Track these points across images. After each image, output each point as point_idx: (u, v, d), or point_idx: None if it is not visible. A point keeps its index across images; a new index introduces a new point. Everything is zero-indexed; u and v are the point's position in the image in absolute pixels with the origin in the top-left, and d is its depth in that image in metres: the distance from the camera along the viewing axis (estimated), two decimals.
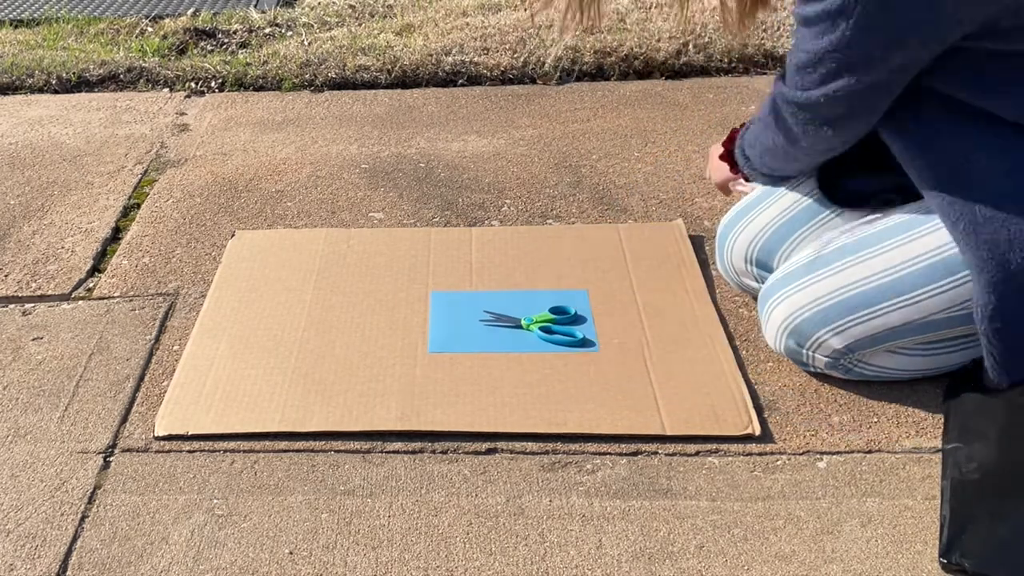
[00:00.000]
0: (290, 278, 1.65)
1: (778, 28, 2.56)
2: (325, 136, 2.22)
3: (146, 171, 2.08)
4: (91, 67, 2.59)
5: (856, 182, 1.39)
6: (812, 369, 1.37)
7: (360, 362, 1.43)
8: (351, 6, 3.03)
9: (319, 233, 1.79)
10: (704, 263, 1.65)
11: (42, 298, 1.65)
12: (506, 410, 1.33)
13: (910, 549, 1.12)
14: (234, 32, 2.87)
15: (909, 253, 1.25)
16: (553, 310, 1.52)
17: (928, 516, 1.16)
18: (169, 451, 1.30)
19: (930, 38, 1.13)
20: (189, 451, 1.29)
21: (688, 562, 1.11)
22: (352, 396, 1.37)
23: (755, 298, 1.47)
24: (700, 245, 1.70)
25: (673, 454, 1.27)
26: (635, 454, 1.27)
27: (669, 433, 1.29)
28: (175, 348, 1.50)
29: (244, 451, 1.29)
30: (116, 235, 1.84)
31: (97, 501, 1.22)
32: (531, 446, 1.28)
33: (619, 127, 2.19)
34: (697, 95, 2.32)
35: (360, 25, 2.87)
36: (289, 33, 2.84)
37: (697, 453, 1.27)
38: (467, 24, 2.74)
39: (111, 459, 1.29)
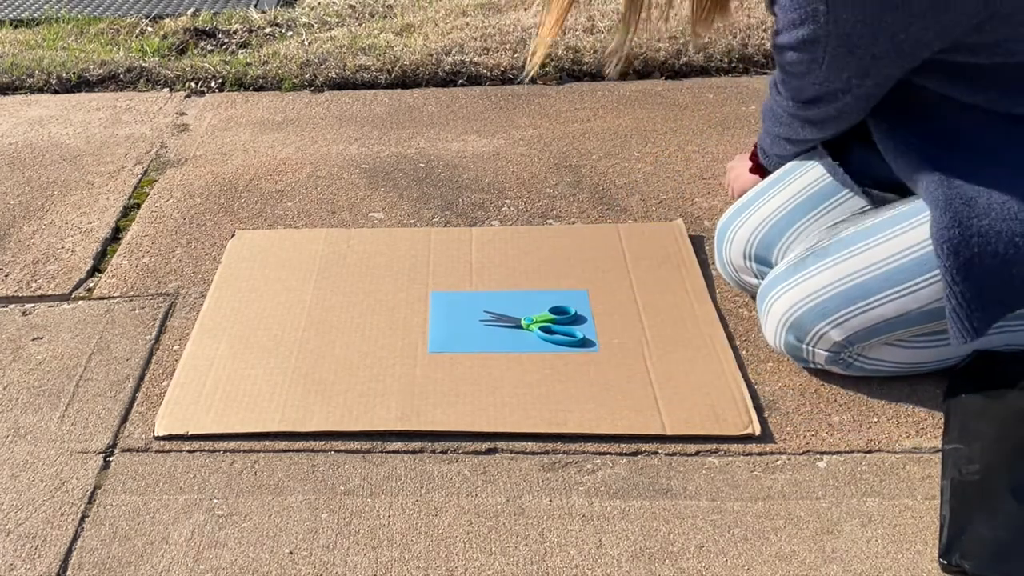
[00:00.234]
0: (290, 278, 1.65)
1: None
2: (325, 136, 2.22)
3: (146, 171, 2.09)
4: (91, 67, 2.59)
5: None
6: (812, 366, 1.37)
7: (360, 362, 1.43)
8: (351, 6, 3.03)
9: (319, 233, 1.79)
10: (704, 263, 1.65)
11: (42, 298, 1.65)
12: (506, 410, 1.33)
13: (910, 549, 1.12)
14: (234, 32, 2.87)
15: (906, 242, 1.26)
16: (553, 310, 1.52)
17: (928, 516, 1.16)
18: (169, 451, 1.30)
19: (897, 63, 1.22)
20: (189, 451, 1.29)
21: (688, 562, 1.11)
22: (352, 396, 1.37)
23: (754, 297, 1.47)
24: (700, 245, 1.70)
25: (673, 454, 1.27)
26: (635, 454, 1.27)
27: (669, 433, 1.29)
28: (175, 348, 1.50)
29: (244, 451, 1.29)
30: (116, 235, 1.84)
31: (97, 501, 1.22)
32: (531, 446, 1.28)
33: (619, 127, 2.19)
34: (697, 95, 2.32)
35: (360, 25, 2.87)
36: (289, 33, 2.84)
37: (697, 453, 1.27)
38: (467, 24, 2.74)
39: (111, 459, 1.29)
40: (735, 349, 1.44)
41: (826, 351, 1.33)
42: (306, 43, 2.71)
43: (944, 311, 1.23)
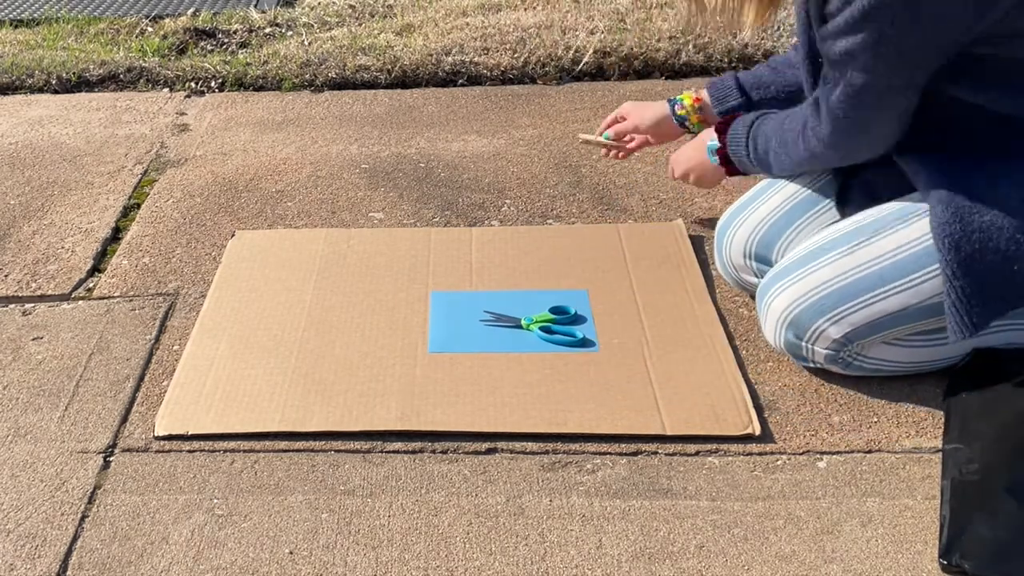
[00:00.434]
0: (290, 278, 1.65)
1: (777, 28, 2.56)
2: (325, 136, 2.22)
3: (146, 171, 2.09)
4: (91, 67, 2.59)
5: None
6: (811, 364, 1.37)
7: (360, 362, 1.43)
8: (351, 6, 3.03)
9: (319, 233, 1.79)
10: (704, 263, 1.65)
11: (42, 298, 1.65)
12: (506, 410, 1.33)
13: (910, 549, 1.12)
14: (234, 32, 2.87)
15: (904, 239, 1.26)
16: (553, 310, 1.52)
17: (928, 516, 1.16)
18: (169, 451, 1.30)
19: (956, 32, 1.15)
20: (189, 451, 1.29)
21: (688, 562, 1.11)
22: (352, 396, 1.37)
23: (754, 296, 1.47)
24: (700, 245, 1.70)
25: (673, 454, 1.27)
26: (635, 454, 1.27)
27: (669, 433, 1.29)
28: (175, 348, 1.50)
29: (244, 451, 1.29)
30: (116, 235, 1.84)
31: (97, 501, 1.22)
32: (531, 446, 1.28)
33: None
34: None
35: (360, 25, 2.87)
36: (289, 33, 2.84)
37: (697, 453, 1.27)
38: (467, 24, 2.74)
39: (111, 459, 1.29)
40: (735, 349, 1.44)
41: (825, 349, 1.33)
42: (306, 43, 2.71)
43: (943, 307, 1.23)
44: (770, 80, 1.57)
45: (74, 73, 2.57)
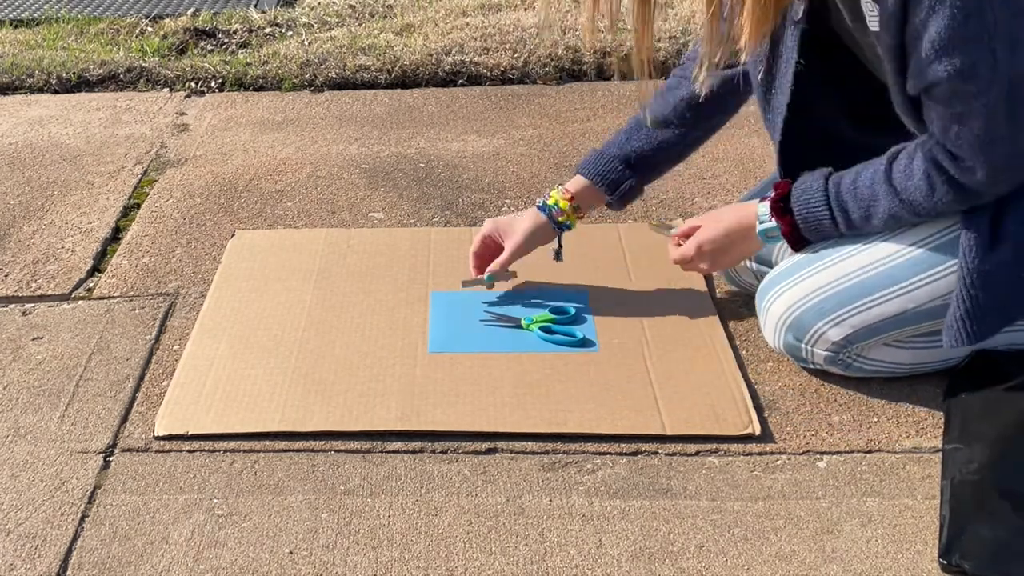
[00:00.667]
0: (290, 278, 1.65)
1: None
2: (325, 136, 2.22)
3: (146, 171, 2.09)
4: (91, 67, 2.59)
5: None
6: (811, 366, 1.37)
7: (360, 362, 1.43)
8: (351, 6, 3.03)
9: (319, 233, 1.79)
10: None
11: (42, 298, 1.65)
12: (506, 410, 1.33)
13: (910, 549, 1.12)
14: (234, 32, 2.87)
15: (904, 242, 1.26)
16: (553, 310, 1.52)
17: (928, 516, 1.16)
18: (169, 451, 1.30)
19: None
20: (189, 451, 1.29)
21: (688, 562, 1.11)
22: (352, 396, 1.37)
23: (754, 296, 1.47)
24: None
25: (673, 454, 1.27)
26: (635, 454, 1.27)
27: (669, 433, 1.29)
28: (175, 348, 1.50)
29: (244, 451, 1.29)
30: (116, 235, 1.84)
31: (97, 501, 1.22)
32: (531, 446, 1.28)
33: (619, 127, 2.18)
34: None
35: (360, 25, 2.87)
36: (289, 33, 2.84)
37: (697, 453, 1.27)
38: (467, 24, 2.74)
39: (111, 459, 1.29)
40: (735, 349, 1.44)
41: (825, 351, 1.32)
42: (306, 43, 2.71)
43: (944, 308, 1.23)
44: (649, 149, 1.50)
45: (74, 73, 2.57)
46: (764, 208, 1.33)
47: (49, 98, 2.50)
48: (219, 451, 1.29)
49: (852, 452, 1.26)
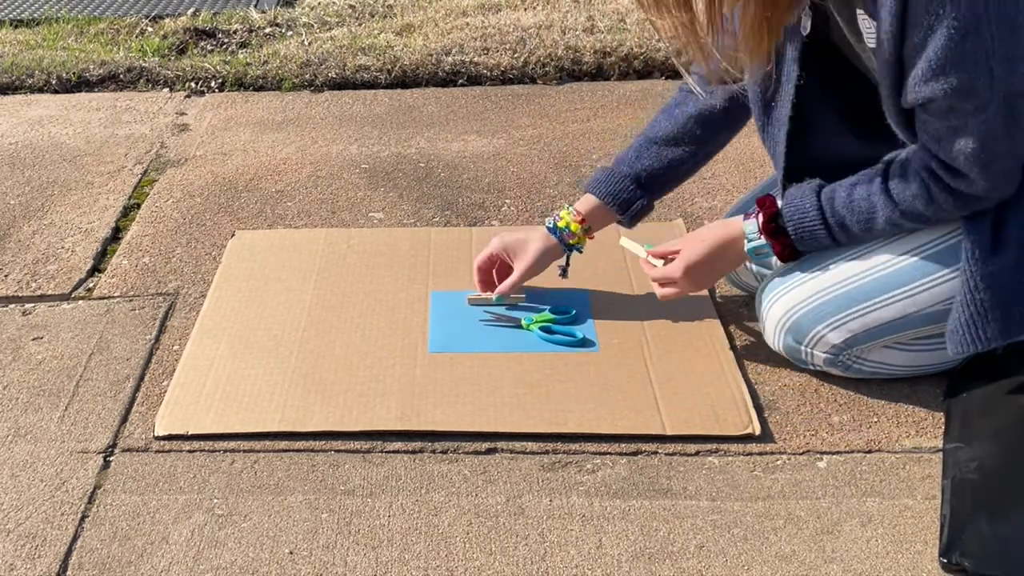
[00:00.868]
0: (290, 278, 1.65)
1: None
2: (325, 136, 2.22)
3: (146, 171, 2.09)
4: (91, 67, 2.59)
5: None
6: (811, 367, 1.37)
7: (360, 362, 1.43)
8: (351, 6, 3.03)
9: (319, 233, 1.79)
10: None
11: (42, 298, 1.65)
12: (506, 410, 1.33)
13: (910, 549, 1.12)
14: (234, 32, 2.87)
15: (906, 247, 1.26)
16: (553, 310, 1.52)
17: (928, 516, 1.16)
18: (169, 451, 1.30)
19: None
20: (189, 451, 1.29)
21: (688, 562, 1.11)
22: (352, 396, 1.37)
23: (754, 297, 1.47)
24: None
25: (673, 454, 1.27)
26: (635, 454, 1.27)
27: (669, 433, 1.29)
28: (175, 348, 1.50)
29: (244, 451, 1.29)
30: (116, 235, 1.84)
31: (97, 501, 1.22)
32: (531, 446, 1.28)
33: (619, 127, 2.19)
34: None
35: (360, 25, 2.87)
36: (289, 33, 2.85)
37: (697, 453, 1.27)
38: (467, 24, 2.74)
39: (111, 459, 1.29)
40: (735, 349, 1.44)
41: (825, 353, 1.32)
42: (306, 43, 2.71)
43: (943, 313, 1.23)
44: (659, 168, 1.48)
45: (74, 73, 2.57)
46: (751, 226, 1.33)
47: (49, 98, 2.51)
48: (219, 451, 1.29)
49: (852, 452, 1.26)
